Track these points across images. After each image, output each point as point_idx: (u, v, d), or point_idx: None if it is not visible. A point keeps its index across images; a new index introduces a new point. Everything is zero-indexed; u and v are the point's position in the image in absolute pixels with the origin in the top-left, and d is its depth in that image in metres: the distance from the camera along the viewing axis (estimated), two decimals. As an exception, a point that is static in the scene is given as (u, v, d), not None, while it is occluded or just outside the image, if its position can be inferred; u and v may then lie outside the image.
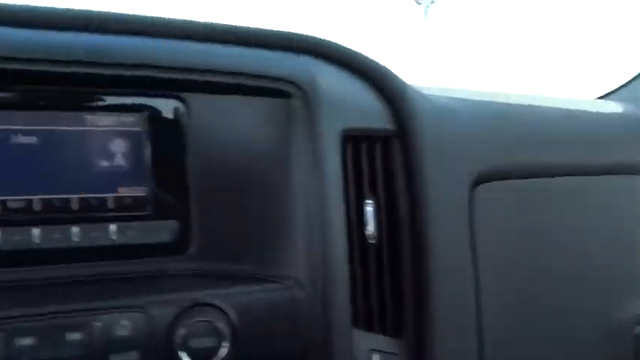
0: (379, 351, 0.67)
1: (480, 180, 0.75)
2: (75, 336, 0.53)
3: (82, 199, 0.58)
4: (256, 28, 0.67)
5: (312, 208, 0.63)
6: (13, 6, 0.57)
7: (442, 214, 0.70)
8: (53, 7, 0.60)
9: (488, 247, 0.75)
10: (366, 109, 0.70)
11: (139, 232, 0.60)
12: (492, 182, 0.77)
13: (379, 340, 0.68)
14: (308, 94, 0.64)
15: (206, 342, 0.56)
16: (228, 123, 0.63)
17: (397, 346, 0.69)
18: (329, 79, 0.68)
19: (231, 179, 0.63)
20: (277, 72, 0.63)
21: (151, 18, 0.63)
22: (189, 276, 0.61)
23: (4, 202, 0.56)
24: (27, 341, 0.52)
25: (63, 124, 0.58)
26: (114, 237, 0.59)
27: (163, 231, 0.61)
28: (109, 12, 0.61)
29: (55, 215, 0.57)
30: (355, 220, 0.67)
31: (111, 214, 0.59)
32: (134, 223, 0.60)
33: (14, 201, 0.56)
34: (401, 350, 0.69)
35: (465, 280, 0.72)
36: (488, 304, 0.74)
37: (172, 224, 0.61)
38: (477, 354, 0.73)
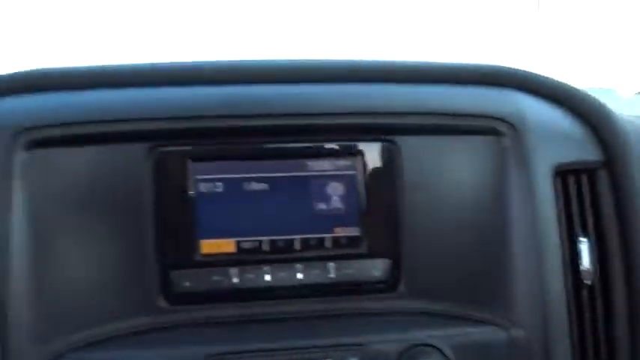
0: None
1: None
2: None
3: (303, 239, 0.63)
4: (455, 64, 0.67)
5: (527, 245, 0.61)
6: (245, 63, 0.63)
7: None
8: (274, 61, 0.65)
9: None
10: (573, 141, 0.66)
11: (353, 270, 0.63)
12: None
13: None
14: (518, 129, 0.62)
15: None
16: (438, 163, 0.63)
17: None
18: (536, 112, 0.65)
19: (443, 218, 0.63)
20: (485, 109, 0.63)
21: (354, 62, 0.66)
22: (404, 314, 0.63)
23: (240, 243, 0.62)
24: None
25: (286, 170, 0.63)
26: (332, 274, 0.63)
27: (377, 269, 0.63)
28: (319, 60, 0.65)
29: (280, 255, 0.62)
30: (569, 257, 0.64)
31: (328, 253, 0.63)
32: (350, 262, 0.63)
33: (248, 241, 0.62)
34: None
35: None
36: None
37: (385, 263, 0.63)
38: None
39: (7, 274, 0.55)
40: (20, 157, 0.57)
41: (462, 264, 0.63)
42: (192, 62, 0.65)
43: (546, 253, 0.61)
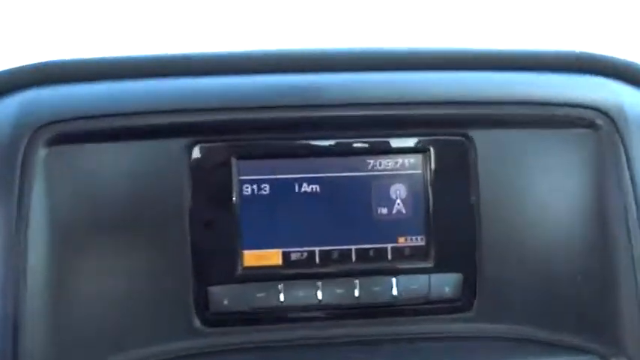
0: None
1: None
2: None
3: (360, 250, 0.54)
4: (543, 50, 0.58)
5: (630, 257, 0.51)
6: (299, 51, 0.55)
7: None
8: (328, 48, 0.57)
9: None
10: None
11: (419, 286, 0.54)
12: None
13: None
14: (617, 123, 0.53)
15: None
16: (520, 161, 0.54)
17: None
18: (632, 100, 0.56)
19: (526, 226, 0.54)
20: (579, 98, 0.53)
21: (423, 49, 0.57)
22: (479, 339, 0.54)
23: (287, 254, 0.53)
24: None
25: (342, 170, 0.54)
26: (394, 292, 0.54)
27: (447, 285, 0.54)
28: (384, 48, 0.57)
29: (334, 269, 0.54)
30: None
31: (391, 266, 0.54)
32: (415, 277, 0.54)
33: (297, 253, 0.54)
34: None
35: None
36: None
37: (457, 278, 0.54)
38: None
39: (23, 293, 0.47)
40: (41, 154, 0.49)
41: (550, 280, 0.54)
42: (236, 51, 0.57)
43: None
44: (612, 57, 0.58)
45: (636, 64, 0.57)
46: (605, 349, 0.52)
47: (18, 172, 0.48)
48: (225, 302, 0.53)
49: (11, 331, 0.46)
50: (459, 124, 0.54)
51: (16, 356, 0.46)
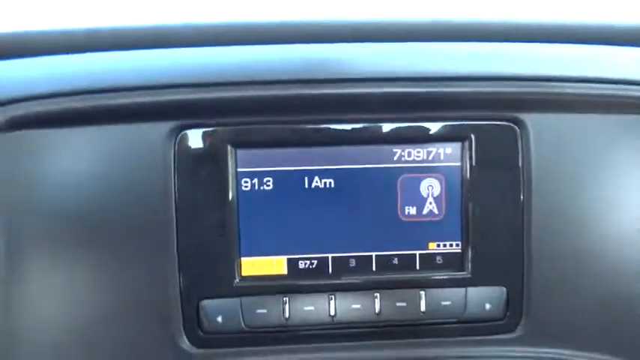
0: None
1: None
2: None
3: (382, 257, 0.46)
4: (603, 21, 0.50)
5: None
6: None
7: None
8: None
9: None
10: None
11: (455, 303, 0.46)
12: None
13: None
14: None
15: None
16: (579, 151, 0.46)
17: None
18: None
19: (583, 232, 0.47)
20: None
21: (460, 20, 0.49)
22: None
23: (294, 262, 0.46)
24: None
25: (359, 161, 0.46)
26: (423, 308, 0.46)
27: (487, 300, 0.46)
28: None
29: (349, 280, 0.47)
30: None
31: (419, 276, 0.47)
32: (449, 291, 0.46)
33: (305, 260, 0.46)
34: None
35: None
36: None
37: (500, 292, 0.47)
38: None
39: None
40: None
41: (609, 297, 0.47)
42: (233, 20, 0.49)
43: None
44: None
45: None
46: None
47: None
48: (219, 319, 0.46)
49: None
50: (507, 105, 0.46)
51: None
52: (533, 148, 0.46)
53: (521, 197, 0.47)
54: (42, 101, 0.42)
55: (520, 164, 0.47)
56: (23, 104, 0.42)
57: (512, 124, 0.46)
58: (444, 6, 0.55)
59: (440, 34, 0.48)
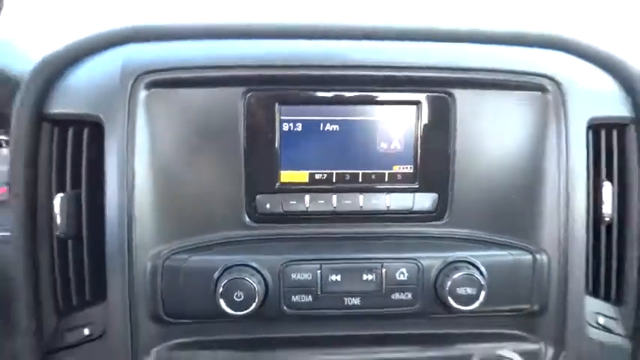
0: (603, 315, 0.77)
1: None
2: (369, 277, 0.71)
3: (365, 174, 0.74)
4: (514, 30, 0.75)
5: (558, 187, 0.72)
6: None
7: None
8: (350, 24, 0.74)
9: None
10: (608, 100, 0.75)
11: (407, 202, 0.75)
12: None
13: (602, 306, 0.78)
14: (561, 87, 0.71)
15: (469, 290, 0.70)
16: (487, 114, 0.73)
17: (618, 313, 0.78)
18: (578, 73, 0.74)
19: (487, 161, 0.74)
20: (537, 69, 0.71)
21: (420, 27, 0.74)
22: (449, 239, 0.75)
23: (312, 174, 0.73)
24: (335, 277, 0.71)
25: (355, 115, 0.73)
26: (389, 204, 0.74)
27: (427, 201, 0.75)
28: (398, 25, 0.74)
29: (346, 186, 0.74)
30: (594, 200, 0.75)
31: (387, 186, 0.74)
32: (404, 195, 0.74)
33: (319, 174, 0.74)
34: (621, 316, 0.78)
35: None
36: None
37: (434, 196, 0.75)
38: None
39: (132, 190, 0.68)
40: (142, 95, 0.68)
41: (501, 200, 0.74)
42: (282, 22, 0.75)
43: (574, 194, 0.72)
44: (568, 37, 0.74)
45: (584, 42, 0.74)
46: (532, 247, 0.73)
47: (126, 108, 0.67)
48: (267, 206, 0.73)
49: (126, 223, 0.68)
50: (444, 84, 0.72)
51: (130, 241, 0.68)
52: (459, 111, 0.72)
53: (451, 140, 0.73)
54: (170, 72, 0.69)
55: (451, 119, 0.73)
56: (161, 73, 0.68)
57: (447, 96, 0.72)
58: (417, 14, 0.81)
59: (412, 36, 0.72)
